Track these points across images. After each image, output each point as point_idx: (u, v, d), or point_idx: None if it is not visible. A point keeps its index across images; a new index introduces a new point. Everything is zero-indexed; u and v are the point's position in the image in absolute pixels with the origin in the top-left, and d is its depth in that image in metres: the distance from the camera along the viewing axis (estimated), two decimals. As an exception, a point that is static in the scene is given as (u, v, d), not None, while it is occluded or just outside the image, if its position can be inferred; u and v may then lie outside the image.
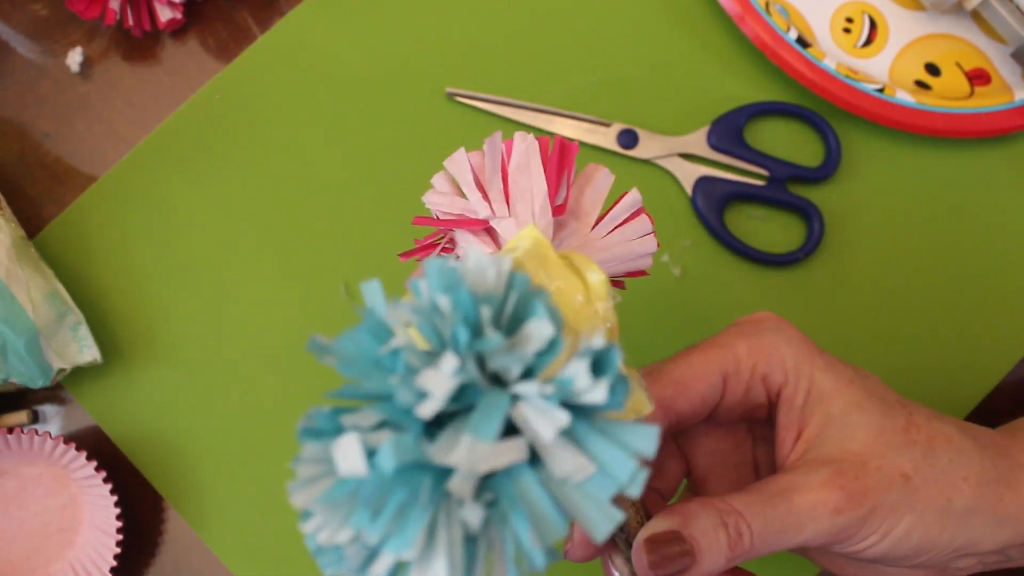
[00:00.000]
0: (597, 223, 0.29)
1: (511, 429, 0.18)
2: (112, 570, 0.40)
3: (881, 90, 0.44)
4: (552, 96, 0.46)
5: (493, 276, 0.19)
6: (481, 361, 0.18)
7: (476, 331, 0.18)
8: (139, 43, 0.48)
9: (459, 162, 0.29)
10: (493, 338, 0.18)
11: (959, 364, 0.43)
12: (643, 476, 0.17)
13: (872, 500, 0.28)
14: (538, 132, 0.46)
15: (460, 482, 0.17)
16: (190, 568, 0.43)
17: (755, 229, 0.45)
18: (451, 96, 0.46)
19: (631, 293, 0.44)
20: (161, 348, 0.44)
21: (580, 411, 0.18)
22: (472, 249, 0.20)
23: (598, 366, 0.18)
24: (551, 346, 0.18)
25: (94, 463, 0.40)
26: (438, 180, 0.30)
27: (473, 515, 0.17)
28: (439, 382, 0.17)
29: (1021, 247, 0.45)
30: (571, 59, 0.47)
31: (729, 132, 0.45)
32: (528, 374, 0.18)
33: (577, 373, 0.17)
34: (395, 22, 0.47)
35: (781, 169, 0.45)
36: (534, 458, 0.18)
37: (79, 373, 0.43)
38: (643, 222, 0.29)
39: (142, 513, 0.43)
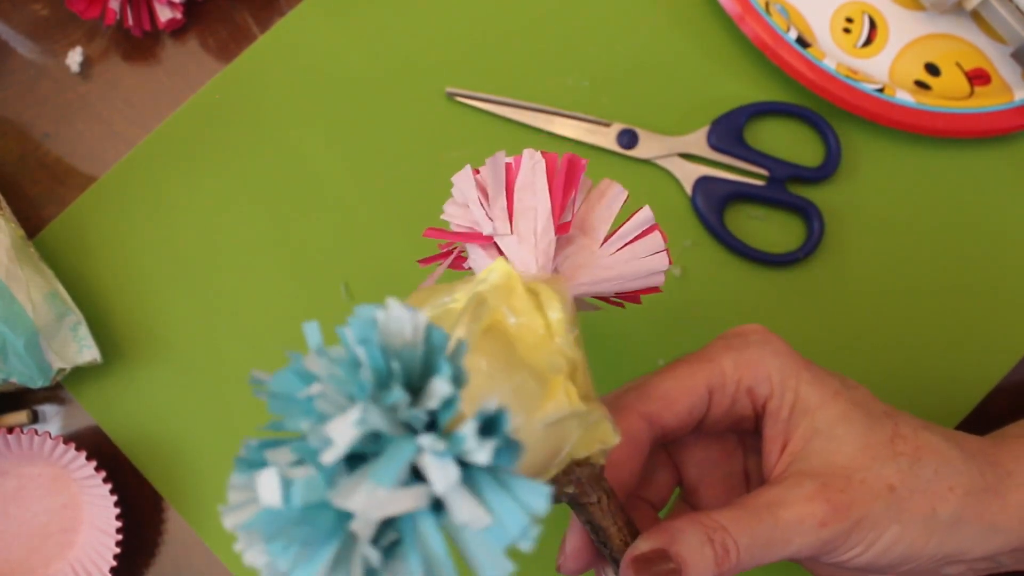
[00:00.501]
0: (607, 239, 0.29)
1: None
2: (112, 570, 0.40)
3: (881, 90, 0.44)
4: (552, 96, 0.46)
5: (410, 331, 0.20)
6: (394, 411, 0.19)
7: (384, 384, 0.20)
8: (139, 43, 0.48)
9: (464, 179, 0.30)
10: (396, 393, 0.19)
11: (958, 365, 0.43)
12: (535, 532, 0.18)
13: (857, 512, 0.28)
14: (538, 132, 0.46)
15: (360, 524, 0.18)
16: (190, 568, 0.43)
17: (755, 229, 0.45)
18: (451, 96, 0.46)
19: (631, 293, 0.44)
20: (161, 348, 0.44)
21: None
22: (392, 301, 0.20)
23: (489, 427, 0.19)
24: (447, 404, 0.19)
25: (94, 463, 0.40)
26: (457, 191, 0.30)
27: (372, 555, 0.19)
28: (342, 431, 0.19)
29: (1021, 247, 0.45)
30: (571, 59, 0.47)
31: (729, 132, 0.45)
32: (434, 426, 0.20)
33: (467, 434, 0.19)
34: (395, 22, 0.47)
35: (781, 169, 0.45)
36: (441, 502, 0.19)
37: (79, 373, 0.43)
38: (655, 239, 0.30)
39: (142, 513, 0.43)
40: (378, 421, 0.19)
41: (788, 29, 0.44)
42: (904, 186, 0.45)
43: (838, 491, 0.29)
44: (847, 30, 0.47)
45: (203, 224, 0.45)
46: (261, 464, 0.20)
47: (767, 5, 0.45)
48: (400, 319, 0.20)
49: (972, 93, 0.45)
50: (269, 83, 0.47)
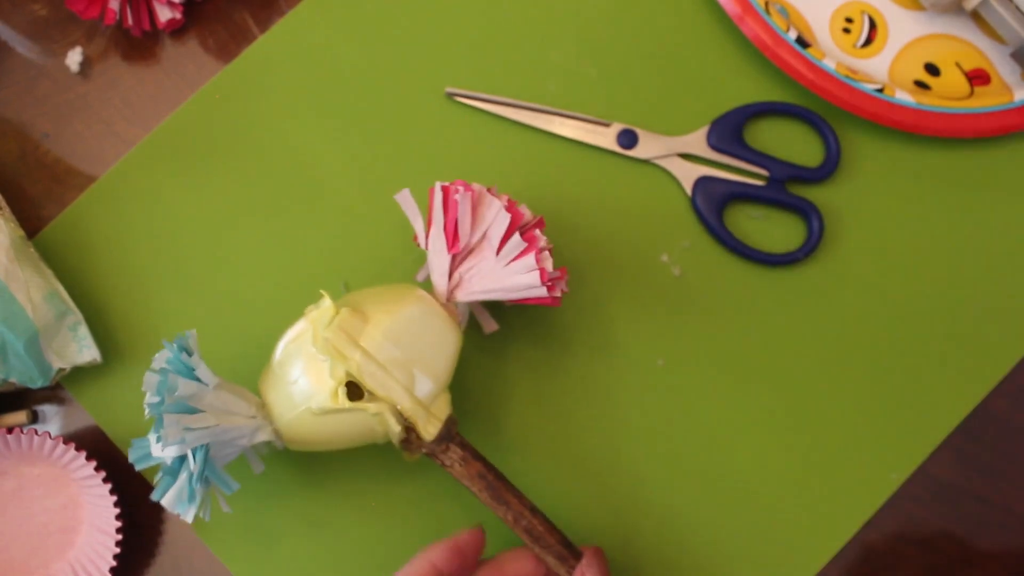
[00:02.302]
0: (499, 253, 0.37)
1: None
2: (112, 570, 0.40)
3: (881, 90, 0.44)
4: (552, 96, 0.46)
5: (161, 363, 0.35)
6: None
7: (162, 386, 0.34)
8: (139, 43, 0.48)
9: (405, 201, 0.38)
10: (156, 395, 0.35)
11: (958, 364, 0.43)
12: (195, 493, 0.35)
13: None
14: (538, 132, 0.46)
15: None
16: (190, 568, 0.43)
17: (755, 229, 0.45)
18: (451, 96, 0.46)
19: (631, 292, 0.44)
20: (161, 348, 0.44)
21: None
22: (164, 348, 0.37)
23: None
24: (153, 408, 0.35)
25: (94, 463, 0.40)
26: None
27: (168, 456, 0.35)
28: (148, 397, 0.35)
29: (1021, 247, 0.45)
30: (571, 59, 0.47)
31: (729, 132, 0.45)
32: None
33: (152, 434, 0.35)
34: (395, 22, 0.47)
35: (781, 169, 0.45)
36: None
37: (79, 373, 0.43)
38: (528, 260, 0.36)
39: (142, 513, 0.43)
40: (158, 398, 0.34)
41: (788, 29, 0.44)
42: (904, 186, 0.45)
43: None
44: (847, 30, 0.47)
45: (203, 224, 0.45)
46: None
47: (767, 5, 0.45)
48: (157, 359, 0.35)
49: (972, 93, 0.45)
50: (269, 83, 0.47)
